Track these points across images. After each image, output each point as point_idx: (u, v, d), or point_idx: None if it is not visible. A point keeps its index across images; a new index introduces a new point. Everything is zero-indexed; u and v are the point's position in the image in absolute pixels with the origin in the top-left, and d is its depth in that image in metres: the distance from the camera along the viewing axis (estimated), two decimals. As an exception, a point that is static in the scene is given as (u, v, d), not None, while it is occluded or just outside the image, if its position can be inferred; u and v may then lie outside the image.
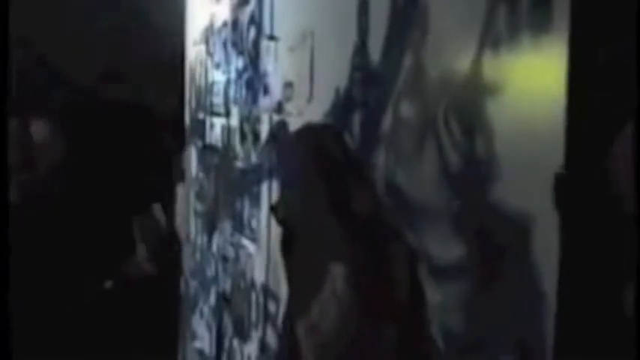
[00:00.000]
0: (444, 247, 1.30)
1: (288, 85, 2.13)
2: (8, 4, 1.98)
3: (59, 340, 3.80)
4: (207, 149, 3.45)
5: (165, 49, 4.16)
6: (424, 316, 1.36)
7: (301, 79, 2.03)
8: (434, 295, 1.36)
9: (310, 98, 1.97)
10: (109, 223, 4.21)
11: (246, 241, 2.65)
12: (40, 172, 3.98)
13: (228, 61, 2.94)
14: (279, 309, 2.17)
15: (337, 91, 1.80)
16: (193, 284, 3.90)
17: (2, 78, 2.03)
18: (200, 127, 3.60)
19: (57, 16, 3.96)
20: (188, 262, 4.10)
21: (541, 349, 1.02)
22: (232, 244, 2.88)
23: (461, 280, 1.25)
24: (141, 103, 4.26)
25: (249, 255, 2.58)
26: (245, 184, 2.64)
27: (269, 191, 2.33)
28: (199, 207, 3.71)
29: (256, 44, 2.48)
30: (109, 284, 4.31)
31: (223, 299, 3.08)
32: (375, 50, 1.59)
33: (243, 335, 2.68)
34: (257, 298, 2.47)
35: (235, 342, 2.83)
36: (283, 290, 2.09)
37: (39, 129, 3.88)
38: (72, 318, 3.91)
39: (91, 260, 4.08)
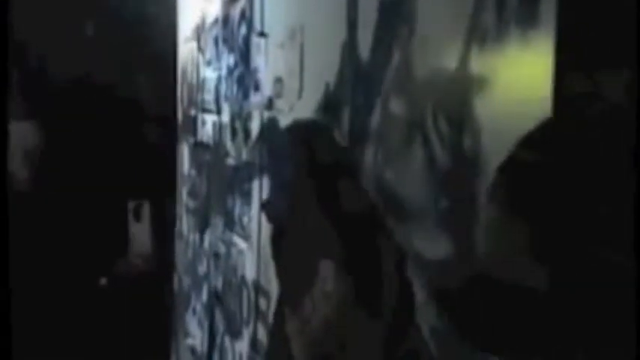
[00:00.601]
0: (433, 244, 1.30)
1: (279, 81, 2.13)
2: (8, 6, 1.97)
3: (53, 337, 3.80)
4: (198, 146, 3.44)
5: (157, 46, 4.16)
6: (413, 313, 1.36)
7: (291, 76, 2.02)
8: (422, 291, 1.35)
9: (300, 94, 1.97)
10: (102, 221, 4.21)
11: (237, 238, 2.64)
12: (25, 170, 3.98)
13: (219, 58, 2.94)
14: (270, 306, 2.17)
15: (327, 87, 1.79)
16: (186, 281, 3.89)
17: (3, 79, 2.02)
18: (191, 124, 3.59)
19: (46, 12, 3.95)
20: (181, 259, 4.09)
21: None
22: (224, 241, 2.88)
23: (449, 277, 1.25)
24: (132, 100, 4.25)
25: (241, 252, 2.58)
26: (236, 181, 2.64)
27: (260, 188, 2.32)
28: (191, 204, 3.71)
29: (247, 41, 2.48)
30: (103, 282, 4.31)
31: (215, 296, 3.08)
32: (364, 46, 1.59)
33: (234, 332, 2.68)
34: (248, 295, 2.47)
35: (227, 339, 2.83)
36: (274, 287, 2.09)
37: (24, 129, 3.88)
38: (66, 315, 3.91)
39: (85, 258, 4.08)
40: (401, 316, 1.40)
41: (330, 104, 1.79)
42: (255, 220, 2.37)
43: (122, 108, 4.23)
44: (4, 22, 1.96)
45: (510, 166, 1.04)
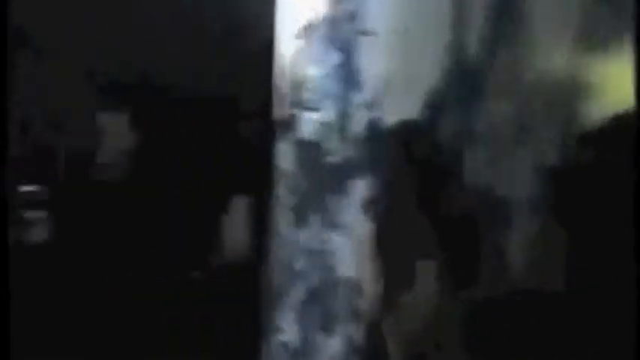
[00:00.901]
0: (537, 244, 1.28)
1: (383, 81, 2.13)
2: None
3: (147, 332, 3.90)
4: (299, 144, 3.47)
5: (253, 42, 4.20)
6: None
7: (396, 76, 2.02)
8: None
9: (404, 95, 1.97)
10: (197, 216, 4.29)
11: (335, 236, 2.65)
12: (122, 165, 4.09)
13: (324, 56, 2.95)
14: (366, 304, 2.17)
15: (431, 88, 1.79)
16: (280, 277, 3.93)
17: (2, 77, 2.06)
18: (293, 122, 3.62)
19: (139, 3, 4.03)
20: (276, 255, 4.13)
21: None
22: (321, 238, 2.89)
23: (556, 278, 1.23)
24: (230, 98, 4.31)
25: (338, 249, 2.59)
26: (336, 179, 2.65)
27: (360, 187, 2.33)
28: (289, 201, 3.74)
29: (353, 39, 2.49)
30: (196, 274, 4.39)
31: (310, 293, 3.10)
32: (470, 47, 1.58)
33: (329, 330, 2.69)
34: (344, 293, 2.47)
35: (321, 336, 2.84)
36: (371, 286, 2.09)
37: (120, 124, 3.98)
38: (157, 309, 4.00)
39: (179, 253, 4.17)
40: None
41: (434, 105, 1.78)
42: (355, 219, 2.38)
43: (219, 105, 4.28)
44: (4, 22, 2.01)
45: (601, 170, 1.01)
